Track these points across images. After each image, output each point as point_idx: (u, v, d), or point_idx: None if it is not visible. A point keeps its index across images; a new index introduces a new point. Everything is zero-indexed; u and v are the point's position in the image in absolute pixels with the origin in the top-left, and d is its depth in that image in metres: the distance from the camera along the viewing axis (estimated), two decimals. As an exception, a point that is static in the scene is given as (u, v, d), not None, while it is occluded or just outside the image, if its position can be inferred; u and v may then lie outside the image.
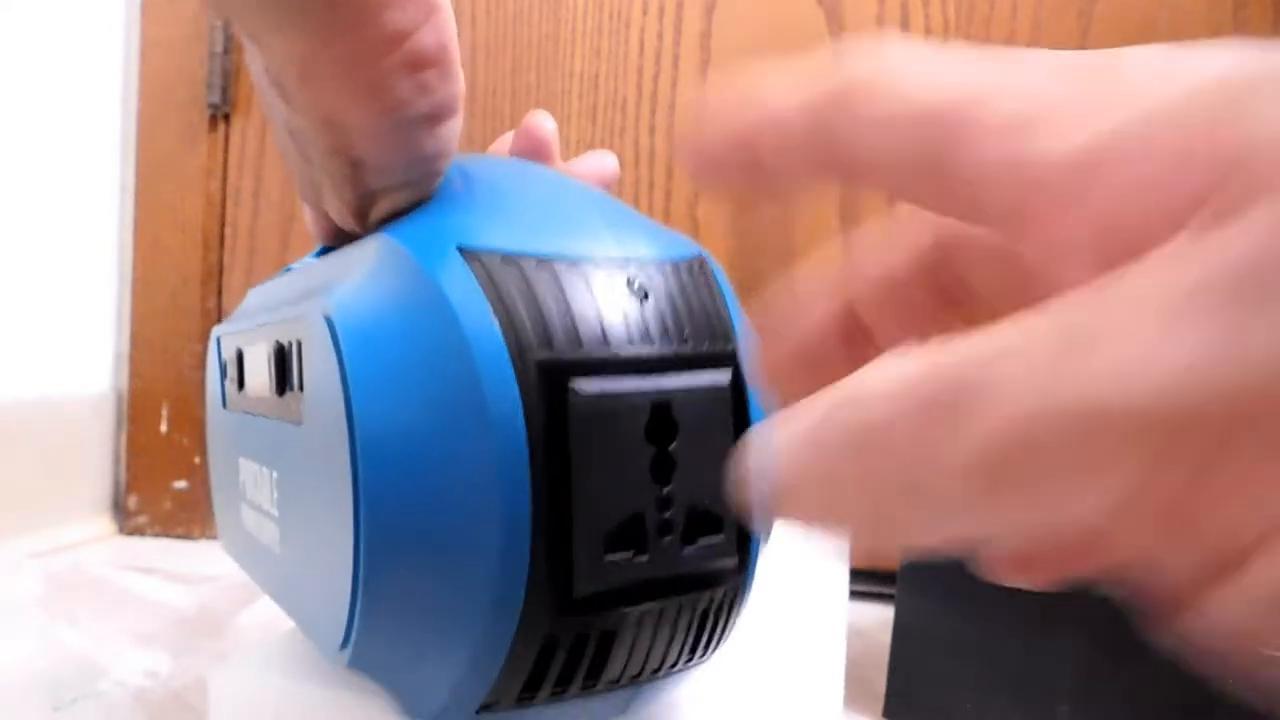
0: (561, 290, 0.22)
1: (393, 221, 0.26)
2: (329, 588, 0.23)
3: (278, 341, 0.27)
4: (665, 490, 0.22)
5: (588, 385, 0.21)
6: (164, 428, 0.81)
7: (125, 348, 0.82)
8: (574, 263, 0.23)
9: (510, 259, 0.22)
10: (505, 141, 0.34)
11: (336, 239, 0.31)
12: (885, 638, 0.46)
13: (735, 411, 0.23)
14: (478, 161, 0.30)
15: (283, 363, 0.27)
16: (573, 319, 0.22)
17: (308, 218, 0.32)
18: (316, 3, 0.23)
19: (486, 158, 0.31)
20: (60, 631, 0.50)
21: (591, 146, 0.76)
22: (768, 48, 0.74)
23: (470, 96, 0.76)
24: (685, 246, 0.25)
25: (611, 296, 0.22)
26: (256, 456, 0.31)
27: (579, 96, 0.76)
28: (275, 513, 0.28)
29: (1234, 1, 0.67)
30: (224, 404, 0.36)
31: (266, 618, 0.56)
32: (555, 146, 0.33)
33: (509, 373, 0.21)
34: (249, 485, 0.32)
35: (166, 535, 0.81)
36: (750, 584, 0.25)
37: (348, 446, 0.21)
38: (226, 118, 0.81)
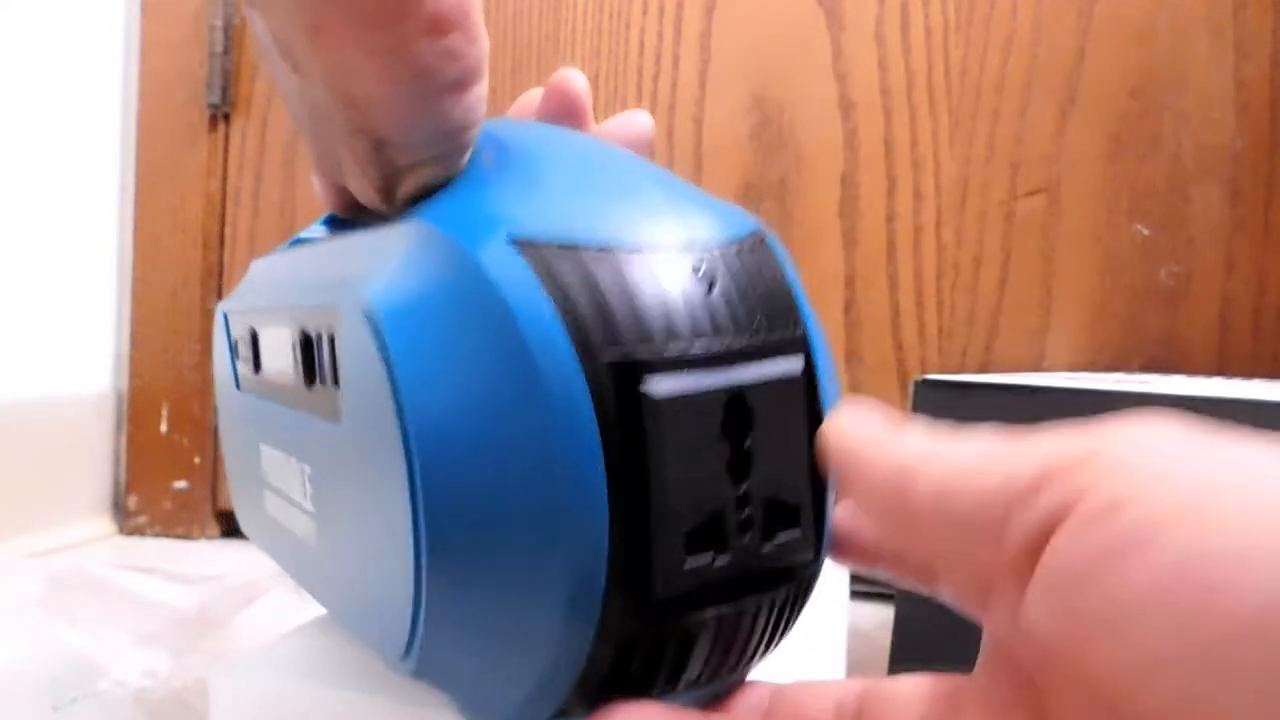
0: (625, 281, 0.21)
1: (426, 201, 0.25)
2: (387, 594, 0.23)
3: (304, 330, 0.26)
4: (743, 487, 0.21)
5: (661, 385, 0.20)
6: (164, 428, 0.81)
7: (125, 348, 0.82)
8: (635, 250, 0.21)
9: (567, 248, 0.21)
10: (530, 99, 0.32)
11: (350, 210, 0.30)
12: (885, 638, 0.46)
13: (807, 397, 0.23)
14: (507, 129, 0.28)
15: (309, 353, 0.26)
16: (640, 313, 0.21)
17: (318, 188, 0.30)
18: None
19: (515, 123, 0.29)
20: (60, 631, 0.50)
21: (591, 146, 0.77)
22: (768, 48, 0.74)
23: (470, 96, 0.76)
24: (743, 222, 0.24)
25: (678, 286, 0.21)
26: (283, 447, 0.30)
27: (579, 96, 0.76)
28: (310, 508, 0.27)
29: (1234, 2, 0.67)
30: (237, 385, 0.35)
31: (267, 618, 0.56)
32: (588, 107, 0.30)
33: (577, 375, 0.20)
34: (273, 473, 0.31)
35: (166, 535, 0.81)
36: (820, 571, 0.25)
37: (403, 456, 0.20)
38: (226, 118, 0.81)
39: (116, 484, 0.82)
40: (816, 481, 0.23)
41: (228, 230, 0.82)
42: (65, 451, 0.77)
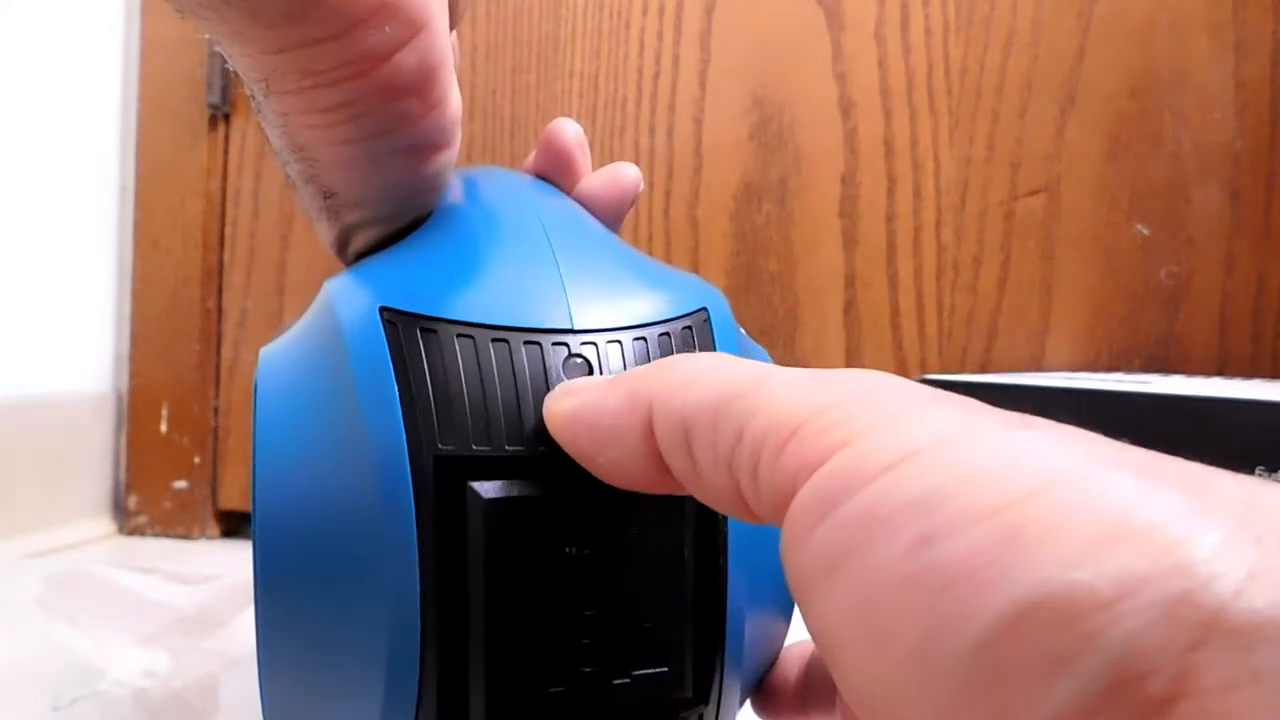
0: (480, 368, 0.19)
1: (358, 261, 0.24)
2: None
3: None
4: (585, 611, 0.19)
5: (489, 488, 0.18)
6: (164, 428, 0.81)
7: (125, 348, 0.82)
8: (506, 332, 0.19)
9: (432, 326, 0.19)
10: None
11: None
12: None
13: (696, 513, 0.20)
14: (480, 187, 0.27)
15: None
16: (485, 405, 0.19)
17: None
18: (274, 13, 0.19)
19: (494, 181, 0.28)
20: (60, 631, 0.50)
21: (591, 146, 0.76)
22: (768, 48, 0.74)
23: (470, 97, 0.76)
24: (680, 304, 0.21)
25: (539, 378, 0.19)
26: None
27: (579, 96, 0.76)
28: None
29: (1234, 1, 0.67)
30: None
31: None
32: (578, 160, 0.28)
33: (404, 468, 0.18)
34: None
35: (166, 535, 0.81)
36: (727, 713, 0.21)
37: (253, 507, 0.20)
38: (226, 118, 0.81)
39: (116, 484, 0.82)
40: (710, 611, 0.20)
41: (228, 230, 0.82)
42: (65, 451, 0.77)
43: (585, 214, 0.27)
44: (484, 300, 0.20)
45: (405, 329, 0.19)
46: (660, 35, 0.75)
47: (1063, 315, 0.70)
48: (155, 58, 0.81)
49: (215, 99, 0.80)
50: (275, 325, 0.81)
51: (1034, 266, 0.71)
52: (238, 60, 0.21)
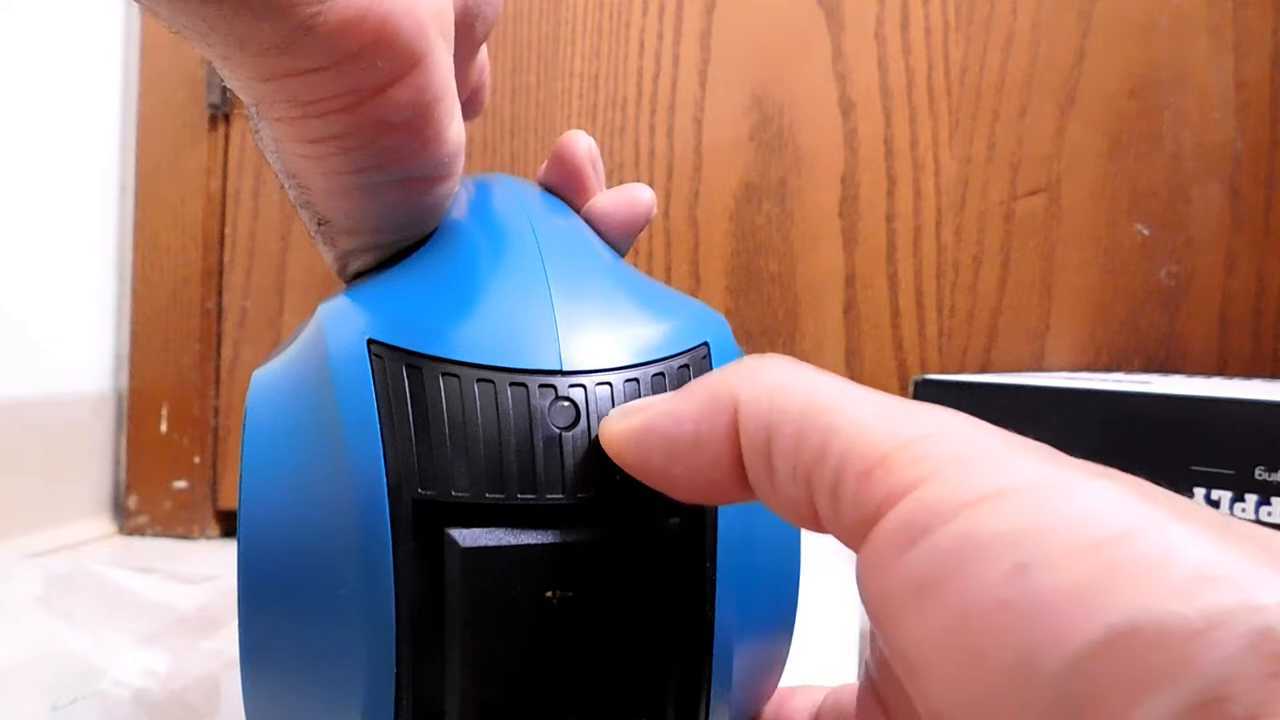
0: (464, 410, 0.18)
1: (355, 281, 0.23)
2: None
3: None
4: (566, 660, 0.18)
5: (467, 536, 0.18)
6: (164, 428, 0.81)
7: (125, 348, 0.82)
8: (493, 374, 0.19)
9: (417, 363, 0.19)
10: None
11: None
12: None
13: (685, 565, 0.19)
14: (484, 202, 0.26)
15: None
16: (467, 450, 0.18)
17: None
18: (261, 42, 0.18)
19: (499, 196, 0.27)
20: (60, 631, 0.50)
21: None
22: (768, 48, 0.74)
23: (470, 96, 0.76)
24: (679, 340, 0.21)
25: (523, 421, 0.18)
26: None
27: (579, 96, 0.76)
28: None
29: (1234, 1, 0.67)
30: None
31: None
32: (589, 177, 0.27)
33: (384, 510, 0.18)
34: None
35: (166, 535, 0.81)
36: None
37: (240, 526, 0.19)
38: (226, 118, 0.81)
39: (116, 484, 0.82)
40: (696, 653, 0.19)
41: (228, 230, 0.82)
42: (65, 451, 0.77)
43: (590, 237, 0.26)
44: (473, 337, 0.19)
45: (391, 365, 0.19)
46: (660, 35, 0.75)
47: (1063, 315, 0.70)
48: (155, 58, 0.81)
49: (215, 99, 0.80)
50: (275, 325, 0.81)
51: (1034, 266, 0.71)
52: (229, 82, 0.21)
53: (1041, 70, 0.70)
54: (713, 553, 0.20)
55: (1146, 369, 0.69)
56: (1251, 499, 0.38)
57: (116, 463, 0.82)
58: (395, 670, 0.18)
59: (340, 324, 0.20)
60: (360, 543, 0.18)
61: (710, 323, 0.22)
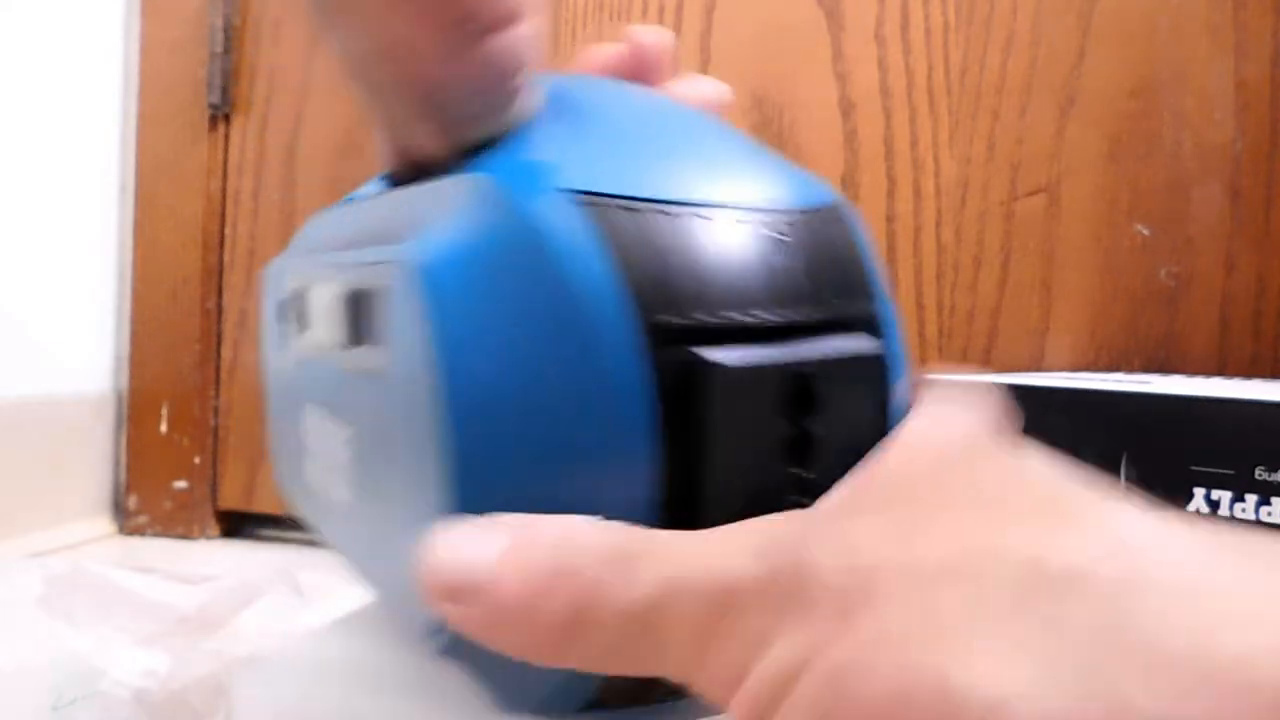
0: (689, 243, 0.19)
1: (484, 154, 0.23)
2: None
3: (351, 287, 0.25)
4: (806, 474, 0.20)
5: (721, 355, 0.19)
6: (164, 428, 0.81)
7: (125, 348, 0.82)
8: (701, 209, 0.20)
9: (628, 205, 0.19)
10: (597, 54, 0.30)
11: (408, 168, 0.28)
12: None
13: (878, 382, 0.21)
14: (574, 83, 0.26)
15: (357, 311, 0.24)
16: (702, 277, 0.19)
17: (378, 145, 0.29)
18: None
19: (580, 78, 0.28)
20: (60, 631, 0.50)
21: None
22: (768, 48, 0.74)
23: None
24: (820, 191, 0.22)
25: (745, 251, 0.20)
26: (326, 409, 0.28)
27: (579, 96, 0.76)
28: (349, 473, 0.26)
29: (1234, 2, 0.67)
30: (281, 345, 0.33)
31: (267, 618, 0.56)
32: (667, 66, 0.28)
33: (630, 338, 0.18)
34: (313, 437, 0.30)
35: (166, 535, 0.81)
36: None
37: (441, 419, 0.19)
38: (226, 118, 0.81)
39: (116, 484, 0.82)
40: None
41: (228, 230, 0.82)
42: (65, 451, 0.77)
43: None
44: (667, 178, 0.20)
45: (603, 209, 0.19)
46: (660, 35, 0.75)
47: (1063, 315, 0.70)
48: (155, 58, 0.81)
49: (215, 99, 0.80)
50: (275, 325, 0.81)
51: (1034, 266, 0.71)
52: None
53: (1041, 70, 0.70)
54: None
55: (1146, 369, 0.69)
56: (1251, 499, 0.39)
57: (116, 463, 0.82)
58: (655, 506, 0.19)
59: (521, 181, 0.20)
60: (611, 379, 0.18)
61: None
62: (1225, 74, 0.68)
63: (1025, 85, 0.71)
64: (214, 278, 0.82)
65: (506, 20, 0.22)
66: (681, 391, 0.19)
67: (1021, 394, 0.47)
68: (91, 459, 0.80)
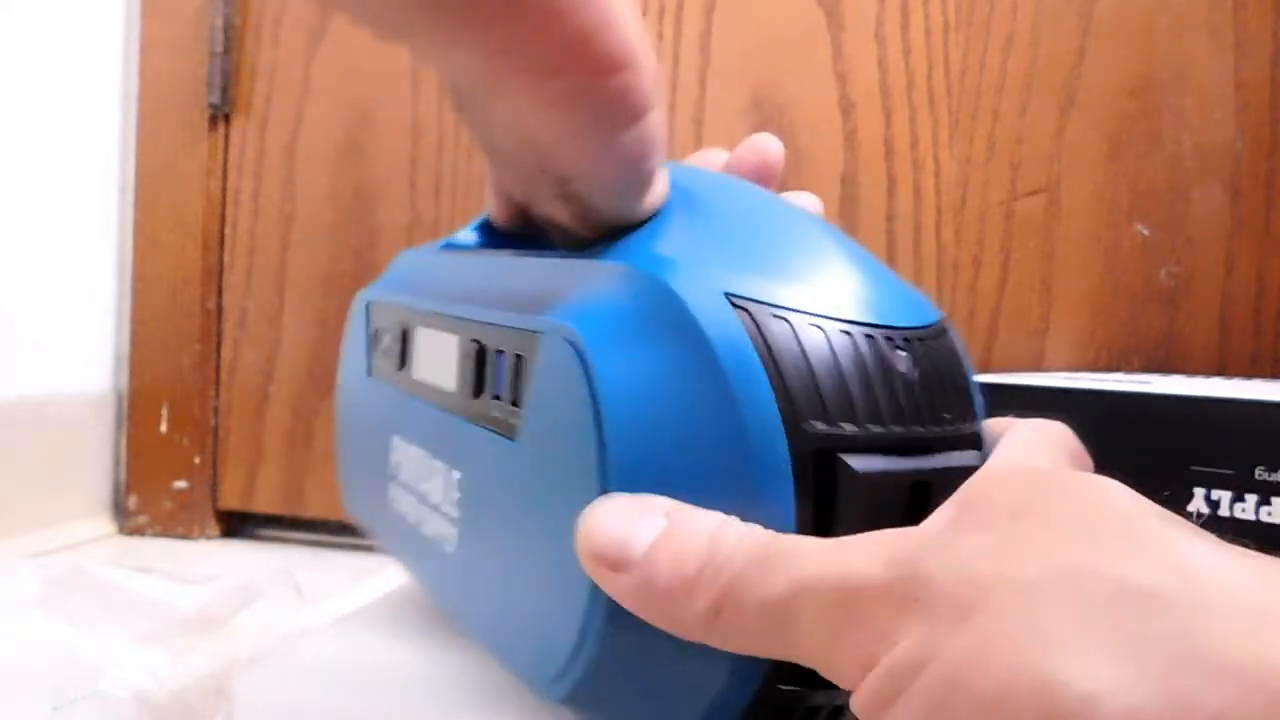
0: (835, 356, 0.21)
1: (627, 241, 0.25)
2: (545, 615, 0.23)
3: (479, 342, 0.26)
4: None
5: (860, 463, 0.21)
6: (164, 428, 0.81)
7: (125, 348, 0.82)
8: (845, 326, 0.22)
9: (781, 314, 0.21)
10: (709, 157, 0.32)
11: (515, 223, 0.30)
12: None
13: None
14: (698, 181, 0.28)
15: (482, 366, 0.26)
16: (847, 388, 0.21)
17: (489, 195, 0.31)
18: (488, 13, 0.21)
19: (705, 175, 0.30)
20: (60, 631, 0.50)
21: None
22: (768, 48, 0.74)
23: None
24: (930, 309, 0.24)
25: (881, 367, 0.21)
26: (425, 446, 0.30)
27: (579, 96, 0.76)
28: (454, 513, 0.28)
29: (1234, 2, 0.67)
30: (369, 372, 0.35)
31: (267, 618, 0.56)
32: (778, 175, 0.31)
33: (781, 441, 0.20)
34: (405, 469, 0.31)
35: (166, 535, 0.81)
36: None
37: (597, 488, 0.20)
38: (226, 118, 0.81)
39: (116, 484, 0.82)
40: None
41: (228, 230, 0.82)
42: (65, 451, 0.77)
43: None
44: (814, 292, 0.22)
45: (759, 317, 0.21)
46: (660, 35, 0.75)
47: (1063, 315, 0.70)
48: (155, 57, 0.81)
49: (215, 99, 0.80)
50: (275, 325, 0.81)
51: (1034, 266, 0.71)
52: (459, 67, 0.24)
53: (1041, 70, 0.70)
54: None
55: (1146, 369, 0.69)
56: (1251, 499, 0.38)
57: (116, 463, 0.82)
58: None
59: (684, 280, 0.22)
60: (759, 475, 0.20)
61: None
62: (1225, 74, 0.68)
63: (1025, 85, 0.71)
64: (214, 278, 0.82)
65: (643, 111, 0.24)
66: (822, 491, 0.20)
67: (1021, 394, 0.47)
68: (91, 459, 0.80)
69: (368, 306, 0.36)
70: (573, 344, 0.22)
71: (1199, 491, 0.40)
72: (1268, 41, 0.67)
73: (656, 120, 0.25)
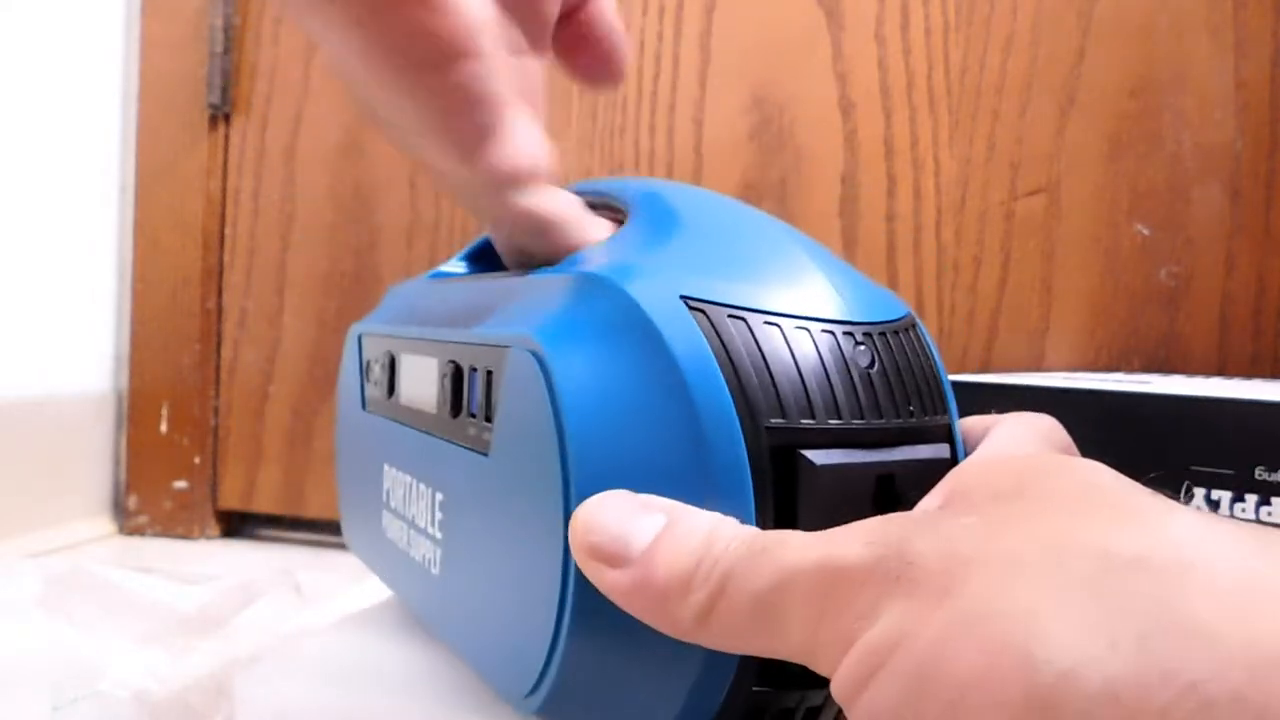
0: (792, 352, 0.21)
1: (590, 252, 0.25)
2: (517, 629, 0.23)
3: (454, 363, 0.26)
4: None
5: (820, 457, 0.21)
6: (164, 428, 0.81)
7: (125, 348, 0.82)
8: (801, 322, 0.22)
9: (737, 314, 0.21)
10: None
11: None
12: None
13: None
14: (661, 187, 0.29)
15: (458, 385, 0.26)
16: (804, 385, 0.21)
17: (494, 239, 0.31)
18: None
19: (681, 187, 0.30)
20: (60, 631, 0.50)
21: (591, 147, 0.76)
22: (768, 48, 0.74)
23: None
24: (896, 305, 0.24)
25: (840, 362, 0.22)
26: (411, 470, 0.30)
27: (579, 96, 0.76)
28: (438, 534, 0.28)
29: (1234, 1, 0.67)
30: (364, 406, 0.35)
31: (267, 618, 0.56)
32: None
33: (739, 439, 0.20)
34: (395, 495, 0.31)
35: (166, 535, 0.81)
36: None
37: (561, 498, 0.21)
38: (226, 118, 0.81)
39: (116, 484, 0.82)
40: None
41: (228, 230, 0.82)
42: (65, 451, 0.77)
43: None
44: (769, 291, 0.22)
45: (715, 317, 0.21)
46: (660, 35, 0.75)
47: (1063, 315, 0.70)
48: (155, 57, 0.81)
49: (215, 99, 0.80)
50: (275, 325, 0.81)
51: (1034, 266, 0.71)
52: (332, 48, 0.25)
53: (1041, 70, 0.70)
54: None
55: (1146, 369, 0.69)
56: (1251, 499, 0.38)
57: (116, 463, 0.82)
58: None
59: (641, 285, 0.22)
60: (718, 473, 0.20)
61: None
62: (1225, 74, 0.68)
63: (1025, 85, 0.71)
64: (214, 278, 0.82)
65: (448, 56, 0.24)
66: (783, 488, 0.21)
67: (1021, 394, 0.47)
68: (91, 459, 0.80)
69: (360, 339, 0.37)
70: (534, 353, 0.22)
71: (1199, 491, 0.40)
72: (1268, 41, 0.67)
73: (476, 73, 0.24)
